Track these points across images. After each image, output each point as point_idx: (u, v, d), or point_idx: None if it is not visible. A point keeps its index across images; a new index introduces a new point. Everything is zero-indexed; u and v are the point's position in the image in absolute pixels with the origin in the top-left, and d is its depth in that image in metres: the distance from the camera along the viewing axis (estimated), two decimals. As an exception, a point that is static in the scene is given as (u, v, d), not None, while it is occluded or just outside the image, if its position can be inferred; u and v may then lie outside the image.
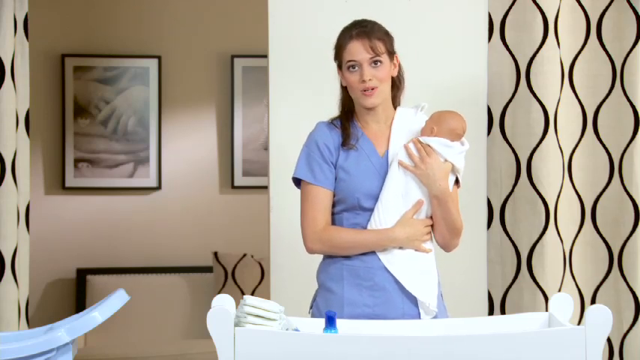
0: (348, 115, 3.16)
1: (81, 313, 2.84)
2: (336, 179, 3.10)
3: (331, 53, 3.13)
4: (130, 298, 2.82)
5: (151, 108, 6.01)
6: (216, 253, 5.91)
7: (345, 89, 3.14)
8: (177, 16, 6.08)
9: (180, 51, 6.07)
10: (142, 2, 6.07)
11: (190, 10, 6.10)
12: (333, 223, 3.11)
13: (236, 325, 2.59)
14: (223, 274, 5.87)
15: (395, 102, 3.18)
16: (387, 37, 3.10)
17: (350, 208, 3.07)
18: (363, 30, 3.07)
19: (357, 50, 3.05)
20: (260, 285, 5.82)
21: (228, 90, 6.14)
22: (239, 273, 5.86)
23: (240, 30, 6.11)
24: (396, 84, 3.16)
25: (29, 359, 2.59)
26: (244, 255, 5.91)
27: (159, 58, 6.03)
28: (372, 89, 3.06)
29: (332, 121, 3.16)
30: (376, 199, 3.05)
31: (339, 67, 3.12)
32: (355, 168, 3.08)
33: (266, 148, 5.72)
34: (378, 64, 3.06)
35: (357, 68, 3.05)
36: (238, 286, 5.84)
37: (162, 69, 6.06)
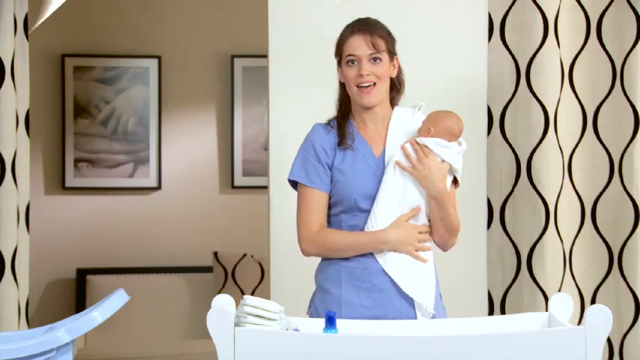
0: (345, 114, 3.14)
1: (81, 313, 2.84)
2: (332, 181, 3.08)
3: (331, 53, 3.14)
4: (130, 298, 2.81)
5: (150, 108, 6.02)
6: (216, 253, 5.93)
7: (343, 86, 3.13)
8: (177, 16, 6.10)
9: (180, 51, 6.08)
10: (142, 2, 6.09)
11: (190, 10, 6.12)
12: (332, 224, 3.11)
13: (236, 325, 2.60)
14: (223, 274, 5.89)
15: (393, 103, 3.17)
16: (388, 37, 3.09)
17: (347, 209, 3.06)
18: (365, 26, 3.07)
19: (358, 44, 3.04)
20: (260, 285, 5.84)
21: (228, 90, 6.16)
22: (239, 273, 5.88)
23: (240, 30, 6.12)
24: (396, 86, 3.15)
25: (29, 359, 2.59)
26: (244, 255, 5.93)
27: (159, 58, 6.04)
28: (370, 86, 3.05)
29: (329, 122, 3.15)
30: (373, 200, 3.04)
31: (339, 62, 3.11)
32: (351, 169, 3.07)
33: (266, 148, 5.73)
34: (378, 61, 3.04)
35: (355, 63, 3.04)
36: (238, 286, 5.85)
37: (162, 69, 6.07)
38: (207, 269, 6.00)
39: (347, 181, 3.06)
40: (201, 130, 6.14)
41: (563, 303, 2.79)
